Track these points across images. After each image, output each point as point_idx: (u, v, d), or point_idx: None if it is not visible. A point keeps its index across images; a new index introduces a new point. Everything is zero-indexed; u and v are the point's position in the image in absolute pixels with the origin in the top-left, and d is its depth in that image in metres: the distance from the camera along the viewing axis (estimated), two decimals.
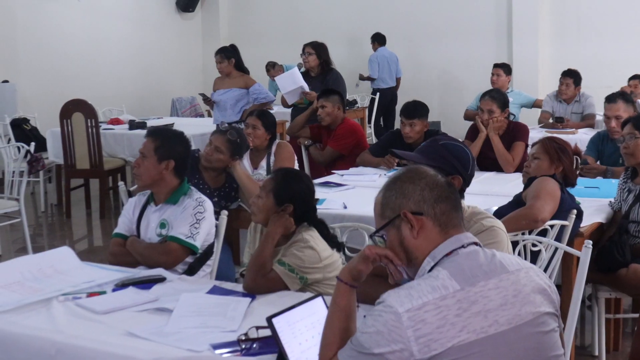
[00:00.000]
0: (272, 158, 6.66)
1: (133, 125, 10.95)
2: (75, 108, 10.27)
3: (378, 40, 14.92)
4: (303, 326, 2.89)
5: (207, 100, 9.81)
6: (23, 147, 8.31)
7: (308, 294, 3.61)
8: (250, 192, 5.56)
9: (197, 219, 4.42)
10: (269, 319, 2.82)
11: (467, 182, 3.70)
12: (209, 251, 4.56)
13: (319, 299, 3.03)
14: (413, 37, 15.24)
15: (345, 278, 2.74)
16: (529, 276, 2.61)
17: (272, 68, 14.45)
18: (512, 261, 2.63)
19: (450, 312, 2.41)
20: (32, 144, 8.51)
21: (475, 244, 2.64)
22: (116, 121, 11.62)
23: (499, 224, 3.60)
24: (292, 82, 9.17)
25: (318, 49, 9.27)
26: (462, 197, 3.61)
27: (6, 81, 12.81)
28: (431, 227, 2.61)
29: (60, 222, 10.65)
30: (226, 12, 17.38)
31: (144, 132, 10.07)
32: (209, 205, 4.53)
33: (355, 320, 2.70)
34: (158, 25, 16.23)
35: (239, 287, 3.82)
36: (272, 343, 2.92)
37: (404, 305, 2.41)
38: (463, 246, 2.60)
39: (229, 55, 9.64)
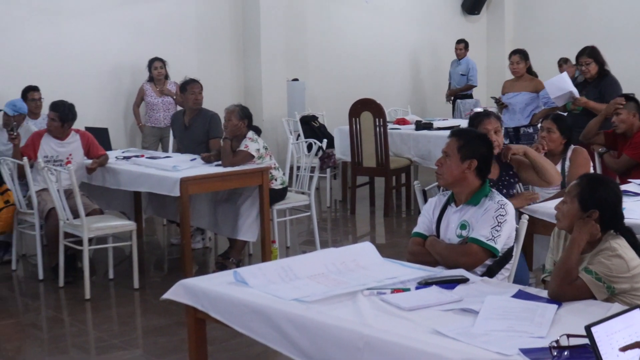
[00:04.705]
0: (567, 163, 6.52)
1: (419, 125, 11.08)
2: (363, 107, 10.53)
3: None
4: (621, 338, 2.79)
5: (499, 103, 9.75)
6: (315, 143, 8.57)
7: (616, 305, 3.52)
8: (546, 169, 5.67)
9: (499, 222, 4.38)
10: (588, 328, 2.74)
11: None
12: (508, 255, 4.51)
13: (637, 311, 2.91)
14: None
15: None
16: None
17: (565, 63, 14.01)
18: None
19: None
20: (325, 141, 8.78)
21: None
22: (402, 121, 11.79)
23: None
24: (559, 88, 8.79)
25: (594, 55, 8.82)
26: None
27: (296, 79, 13.26)
28: None
29: (344, 218, 10.91)
30: (512, 15, 17.18)
31: (430, 132, 10.39)
32: (510, 208, 4.48)
33: None
34: (443, 27, 16.27)
35: (543, 293, 3.75)
36: (584, 352, 2.86)
37: None
38: None
39: (526, 58, 9.58)
